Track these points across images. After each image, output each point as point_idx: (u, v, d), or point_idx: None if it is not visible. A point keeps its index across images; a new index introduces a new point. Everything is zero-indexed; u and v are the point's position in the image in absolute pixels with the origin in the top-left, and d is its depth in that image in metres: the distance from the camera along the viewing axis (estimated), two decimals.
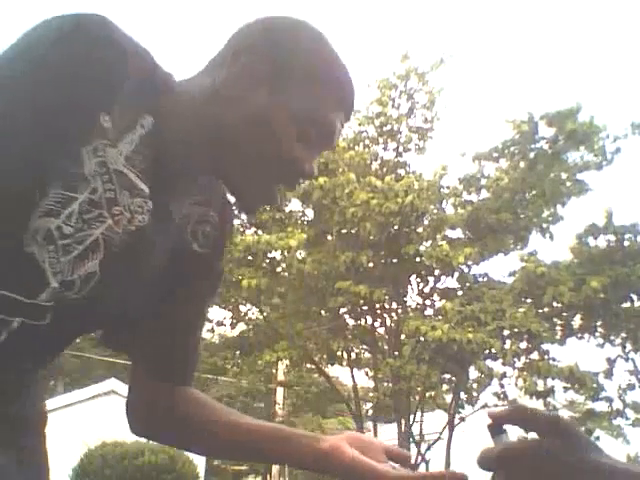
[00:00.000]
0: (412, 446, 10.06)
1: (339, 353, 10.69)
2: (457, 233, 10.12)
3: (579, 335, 9.96)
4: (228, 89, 0.84)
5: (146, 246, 0.85)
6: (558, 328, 9.66)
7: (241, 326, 11.06)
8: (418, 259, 9.28)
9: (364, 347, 11.21)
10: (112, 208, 0.80)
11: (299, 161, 0.85)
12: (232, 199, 0.93)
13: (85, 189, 0.77)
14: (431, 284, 10.18)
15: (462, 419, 10.66)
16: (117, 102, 0.79)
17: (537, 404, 10.69)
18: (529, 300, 9.36)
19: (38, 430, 0.93)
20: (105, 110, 0.78)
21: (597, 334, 10.05)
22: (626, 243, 9.33)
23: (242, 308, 10.93)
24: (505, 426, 0.68)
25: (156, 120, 0.83)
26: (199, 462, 13.90)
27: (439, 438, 10.52)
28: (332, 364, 11.57)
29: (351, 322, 10.76)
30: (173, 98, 0.85)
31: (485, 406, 11.13)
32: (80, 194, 0.77)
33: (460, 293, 9.80)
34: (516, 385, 10.05)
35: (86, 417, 12.03)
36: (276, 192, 0.89)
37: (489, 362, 9.15)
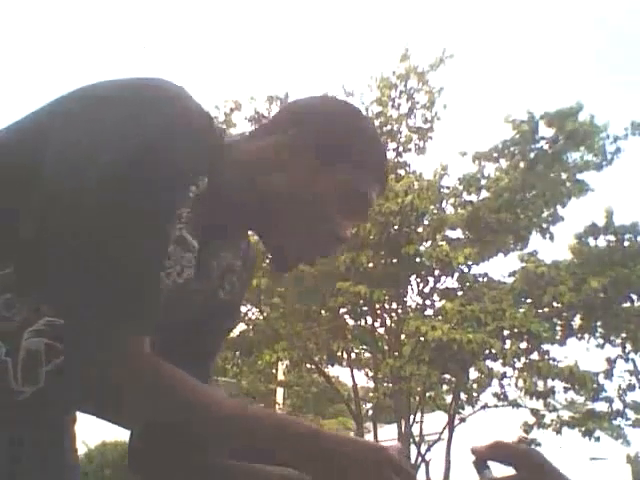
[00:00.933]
0: (412, 447, 10.06)
1: (339, 353, 10.68)
2: (457, 233, 10.12)
3: (579, 335, 9.95)
4: (281, 154, 0.89)
5: (189, 297, 0.90)
6: (558, 328, 9.65)
7: (241, 326, 11.06)
8: (418, 259, 9.27)
9: (364, 347, 11.21)
10: (165, 261, 0.83)
11: (337, 229, 0.91)
12: (269, 255, 0.98)
13: None
14: (431, 284, 10.17)
15: (462, 420, 10.66)
16: None
17: (537, 404, 10.70)
18: (529, 300, 9.35)
19: (72, 431, 1.01)
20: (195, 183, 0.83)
21: (597, 334, 10.04)
22: (626, 243, 9.33)
23: (242, 308, 10.92)
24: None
25: (210, 180, 0.86)
26: None
27: (439, 439, 10.51)
28: (332, 364, 11.56)
29: (351, 322, 10.76)
30: (226, 159, 0.89)
31: (485, 406, 11.14)
32: None
33: (460, 293, 9.80)
34: (516, 385, 10.06)
35: (86, 417, 12.05)
36: (313, 256, 0.96)
37: (489, 362, 9.15)
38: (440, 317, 8.99)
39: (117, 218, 0.73)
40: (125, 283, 0.74)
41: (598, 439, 10.13)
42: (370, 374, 11.55)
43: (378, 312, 10.45)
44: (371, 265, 9.36)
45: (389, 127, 10.27)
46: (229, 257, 0.99)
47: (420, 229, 9.43)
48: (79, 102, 0.82)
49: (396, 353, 9.54)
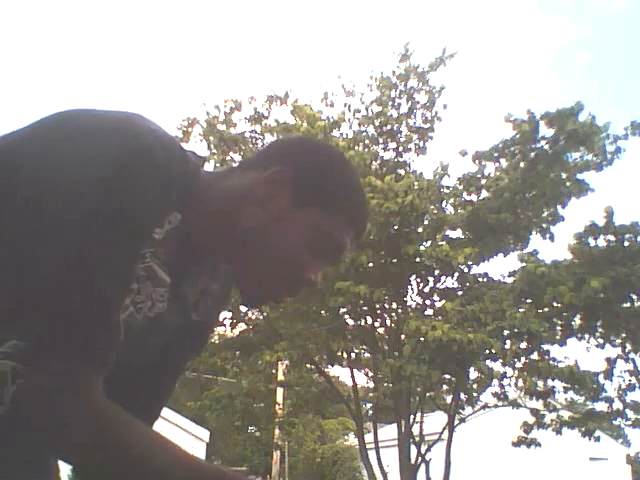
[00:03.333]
0: (412, 447, 10.06)
1: (339, 353, 10.68)
2: (457, 233, 10.12)
3: (579, 335, 9.95)
4: (258, 189, 0.89)
5: (161, 329, 0.92)
6: (558, 328, 9.64)
7: (241, 326, 11.05)
8: (418, 259, 9.26)
9: (364, 347, 11.20)
10: (135, 297, 0.85)
11: (306, 270, 0.91)
12: (238, 290, 0.98)
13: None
14: (431, 284, 10.17)
15: (462, 420, 10.66)
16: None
17: (537, 404, 10.71)
18: (529, 300, 9.34)
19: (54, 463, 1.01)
20: (159, 225, 0.84)
21: (597, 334, 10.04)
22: (626, 243, 9.32)
23: (242, 308, 10.92)
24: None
25: (183, 215, 0.87)
26: None
27: (439, 439, 10.51)
28: (332, 364, 11.56)
29: (351, 322, 10.75)
30: (200, 194, 0.89)
31: (485, 406, 11.14)
32: None
33: (460, 293, 9.79)
34: (516, 385, 10.06)
35: None
36: (280, 294, 0.95)
37: (489, 362, 9.14)
38: (440, 317, 8.99)
39: (74, 261, 0.74)
40: (79, 318, 0.75)
41: (598, 439, 10.13)
42: (370, 374, 11.55)
43: (378, 312, 10.44)
44: (371, 265, 9.35)
45: (389, 127, 10.26)
46: (204, 280, 0.99)
47: (420, 229, 9.42)
48: (54, 133, 0.82)
49: (396, 353, 9.53)
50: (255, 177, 0.90)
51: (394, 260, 9.55)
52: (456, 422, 10.48)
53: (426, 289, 10.23)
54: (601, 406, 10.34)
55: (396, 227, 9.06)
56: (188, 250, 0.89)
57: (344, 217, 0.91)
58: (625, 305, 9.47)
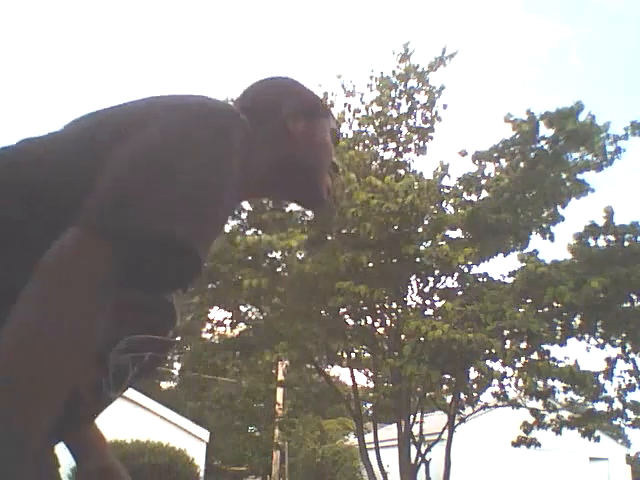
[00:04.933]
0: (412, 447, 10.06)
1: (339, 353, 10.67)
2: (457, 233, 10.12)
3: (579, 335, 9.94)
4: (289, 150, 1.08)
5: None
6: (558, 328, 9.64)
7: (241, 326, 11.05)
8: (418, 259, 9.27)
9: (364, 347, 11.20)
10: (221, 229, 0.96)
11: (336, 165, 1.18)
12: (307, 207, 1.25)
13: None
14: (431, 284, 10.17)
15: (462, 420, 10.65)
16: None
17: (537, 404, 10.70)
18: (529, 300, 9.34)
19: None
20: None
21: (597, 334, 10.04)
22: (626, 243, 9.32)
23: (242, 308, 10.92)
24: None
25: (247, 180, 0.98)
26: (199, 463, 13.93)
27: (439, 439, 10.51)
28: (332, 364, 11.56)
29: (351, 322, 10.75)
30: (250, 147, 0.99)
31: (485, 406, 11.13)
32: None
33: (460, 293, 9.79)
34: (516, 385, 10.06)
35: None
36: (329, 186, 1.15)
37: (489, 362, 9.13)
38: (440, 317, 8.98)
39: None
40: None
41: (598, 439, 10.12)
42: (370, 374, 11.54)
43: (378, 312, 10.45)
44: (371, 265, 9.35)
45: (389, 127, 10.26)
46: None
47: (420, 229, 9.42)
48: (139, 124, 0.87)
49: (396, 353, 9.53)
50: (277, 135, 1.08)
51: (394, 260, 9.55)
52: (456, 422, 10.48)
53: (426, 289, 10.23)
54: (601, 406, 10.34)
55: (396, 227, 9.06)
56: (251, 199, 1.07)
57: (328, 113, 1.18)
58: (625, 305, 9.47)
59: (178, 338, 0.89)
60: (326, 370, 11.80)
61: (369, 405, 14.45)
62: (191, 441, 15.04)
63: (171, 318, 0.95)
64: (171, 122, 0.86)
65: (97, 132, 0.89)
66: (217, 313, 11.02)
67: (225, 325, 10.99)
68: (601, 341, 10.06)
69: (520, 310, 8.77)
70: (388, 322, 10.55)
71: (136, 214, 0.75)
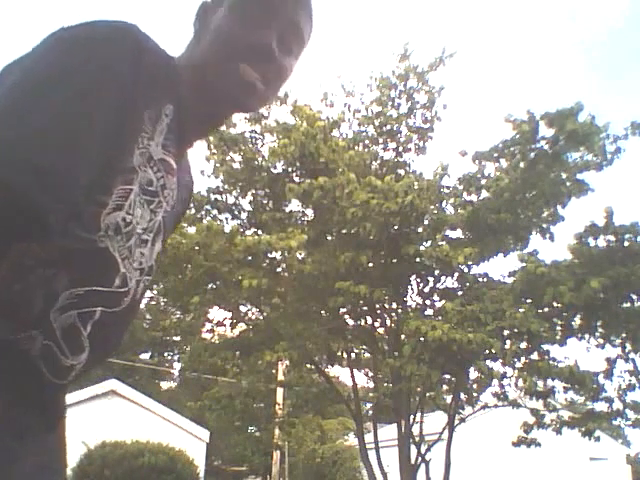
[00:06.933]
0: (412, 447, 10.06)
1: (339, 353, 10.68)
2: (457, 233, 10.11)
3: (579, 335, 9.94)
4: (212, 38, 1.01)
5: (175, 216, 1.04)
6: (558, 328, 9.64)
7: (241, 326, 11.05)
8: (418, 259, 9.27)
9: (364, 347, 11.20)
10: (164, 192, 0.93)
11: (259, 38, 1.01)
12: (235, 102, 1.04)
13: (136, 180, 0.87)
14: (431, 284, 10.17)
15: (462, 420, 10.65)
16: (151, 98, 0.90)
17: (537, 404, 10.70)
18: (529, 300, 9.34)
19: (60, 432, 0.97)
20: (148, 106, 0.89)
21: (597, 334, 10.03)
22: (626, 243, 9.32)
23: (242, 308, 10.93)
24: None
25: (175, 106, 0.95)
26: (199, 463, 13.93)
27: (439, 439, 10.51)
28: (332, 364, 11.55)
29: (351, 322, 10.75)
30: (181, 80, 0.98)
31: (485, 406, 11.13)
32: (134, 185, 0.87)
33: (460, 293, 9.79)
34: (516, 385, 10.06)
35: (86, 417, 12.03)
36: (255, 73, 0.99)
37: (489, 362, 9.13)
38: (440, 317, 8.98)
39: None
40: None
41: (598, 439, 10.12)
42: (370, 374, 11.55)
43: (378, 312, 10.44)
44: (371, 265, 9.35)
45: (389, 127, 10.26)
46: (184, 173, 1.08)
47: (420, 229, 9.42)
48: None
49: (396, 353, 9.53)
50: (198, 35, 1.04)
51: (394, 260, 9.55)
52: (456, 422, 10.47)
53: (426, 289, 10.23)
54: (601, 406, 10.33)
55: (396, 227, 9.06)
56: (186, 135, 0.99)
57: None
58: (625, 305, 9.47)
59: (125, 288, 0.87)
60: (326, 370, 11.80)
61: (369, 405, 14.46)
62: (191, 441, 15.06)
63: (109, 266, 0.85)
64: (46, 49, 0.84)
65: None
66: (217, 313, 11.05)
67: (225, 325, 11.00)
68: (601, 341, 10.06)
69: (520, 310, 8.77)
70: (388, 322, 10.55)
71: None
